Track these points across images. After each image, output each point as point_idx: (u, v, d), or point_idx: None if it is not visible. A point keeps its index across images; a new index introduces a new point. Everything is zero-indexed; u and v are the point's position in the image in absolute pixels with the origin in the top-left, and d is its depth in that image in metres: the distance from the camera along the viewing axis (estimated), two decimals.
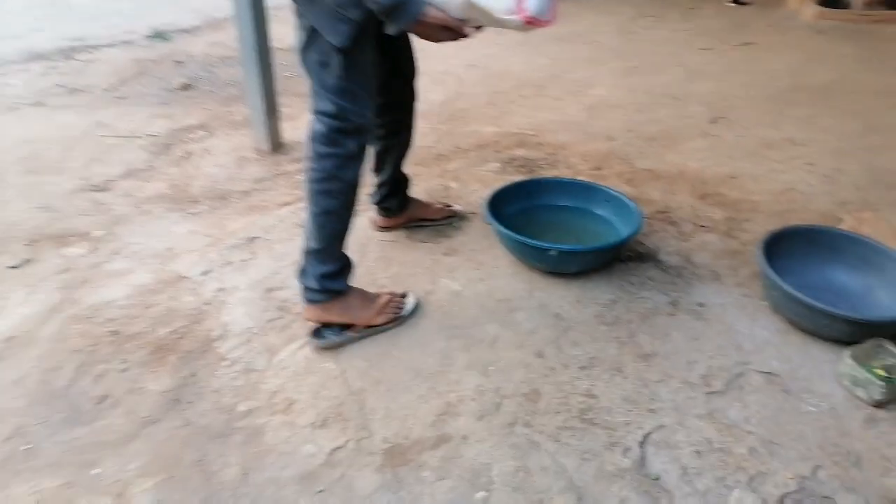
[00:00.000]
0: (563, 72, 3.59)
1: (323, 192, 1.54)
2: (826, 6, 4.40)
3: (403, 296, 1.76)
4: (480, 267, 1.95)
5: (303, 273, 1.63)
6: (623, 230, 1.94)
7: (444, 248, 2.05)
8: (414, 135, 2.01)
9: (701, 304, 1.77)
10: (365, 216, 2.15)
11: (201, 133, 2.93)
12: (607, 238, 1.95)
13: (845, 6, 4.43)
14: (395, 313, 1.71)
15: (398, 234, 2.12)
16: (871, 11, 4.26)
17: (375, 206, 2.11)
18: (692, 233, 2.10)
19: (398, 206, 2.10)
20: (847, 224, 1.96)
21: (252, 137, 2.76)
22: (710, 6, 4.75)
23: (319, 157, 1.51)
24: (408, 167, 2.07)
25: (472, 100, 3.22)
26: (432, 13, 1.33)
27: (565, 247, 1.80)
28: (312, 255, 1.61)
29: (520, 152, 2.69)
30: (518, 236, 1.81)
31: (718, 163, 2.54)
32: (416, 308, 1.76)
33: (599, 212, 2.06)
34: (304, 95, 3.45)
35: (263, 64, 2.57)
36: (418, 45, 1.67)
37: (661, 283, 1.85)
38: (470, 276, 1.90)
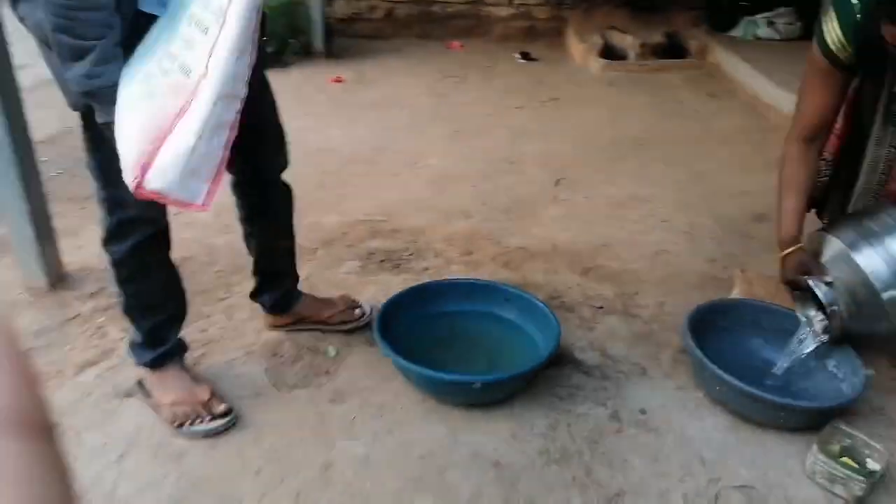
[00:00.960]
0: (389, 142, 3.35)
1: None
2: (607, 58, 4.74)
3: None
4: (383, 412, 1.58)
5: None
6: (538, 336, 1.70)
7: (328, 394, 1.64)
8: (284, 219, 1.74)
9: (643, 412, 1.58)
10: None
11: None
12: (523, 348, 1.70)
13: (622, 58, 4.82)
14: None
15: (263, 382, 1.66)
16: (645, 62, 4.68)
17: (252, 301, 1.81)
18: (593, 318, 1.93)
19: (273, 305, 1.80)
20: (739, 289, 1.94)
21: (19, 271, 2.08)
22: (503, 64, 4.88)
23: (113, 262, 1.45)
24: (289, 259, 1.79)
25: (299, 184, 2.80)
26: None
27: (491, 377, 1.50)
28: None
29: (375, 244, 2.36)
30: (431, 372, 1.48)
31: (583, 231, 2.45)
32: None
33: (504, 314, 1.80)
34: (80, 198, 2.82)
35: (24, 166, 1.93)
36: None
37: (592, 390, 1.64)
38: (374, 429, 1.52)
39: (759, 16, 4.85)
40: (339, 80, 4.20)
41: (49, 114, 3.52)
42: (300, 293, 1.86)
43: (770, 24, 4.85)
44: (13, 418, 0.19)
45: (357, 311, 1.84)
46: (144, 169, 1.08)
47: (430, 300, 1.82)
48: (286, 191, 1.72)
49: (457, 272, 2.18)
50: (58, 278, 2.09)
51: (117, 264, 1.45)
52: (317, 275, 2.17)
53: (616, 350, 1.79)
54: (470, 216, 2.57)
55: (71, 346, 1.82)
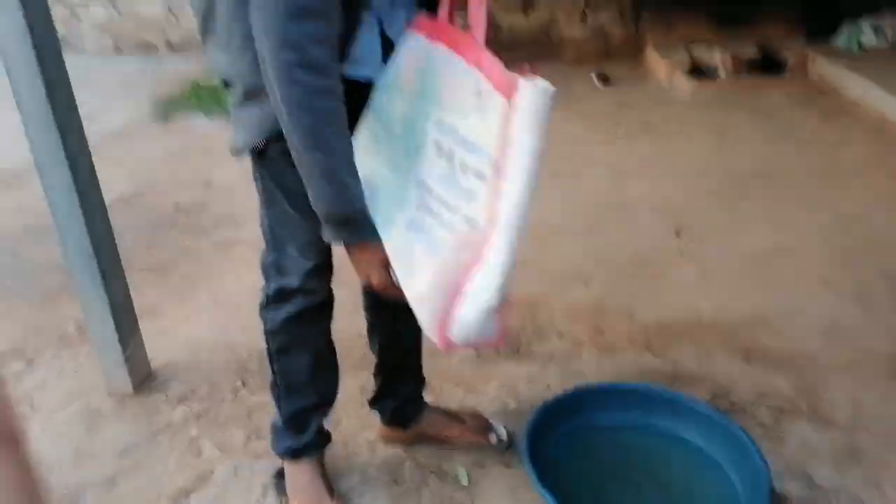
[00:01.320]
0: None
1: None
2: (695, 76, 4.36)
3: None
4: None
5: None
6: (729, 467, 1.36)
7: None
8: (415, 320, 1.36)
9: None
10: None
11: (15, 365, 1.95)
12: (714, 487, 1.35)
13: (711, 75, 4.43)
14: None
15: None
16: (739, 79, 4.28)
17: (371, 408, 1.59)
18: (777, 425, 1.58)
19: (393, 414, 1.56)
20: None
21: (100, 369, 1.84)
22: (581, 88, 4.54)
23: (266, 331, 1.34)
24: (416, 356, 1.55)
25: None
26: (382, 251, 1.07)
27: None
28: None
29: None
30: None
31: (728, 297, 2.09)
32: None
33: (684, 434, 1.45)
34: (158, 268, 2.60)
35: (102, 251, 1.68)
36: None
37: None
38: None
39: (862, 20, 4.39)
40: None
41: (117, 172, 3.36)
42: (425, 404, 1.58)
43: (876, 29, 4.39)
44: None
45: (492, 436, 1.54)
46: (444, 327, 1.03)
47: (581, 410, 1.49)
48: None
49: (589, 359, 1.85)
50: (143, 377, 1.85)
51: (271, 333, 1.33)
52: (426, 364, 1.86)
53: (822, 475, 1.43)
54: (588, 281, 2.24)
55: (164, 467, 1.56)
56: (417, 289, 1.05)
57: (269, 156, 1.15)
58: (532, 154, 0.93)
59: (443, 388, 1.77)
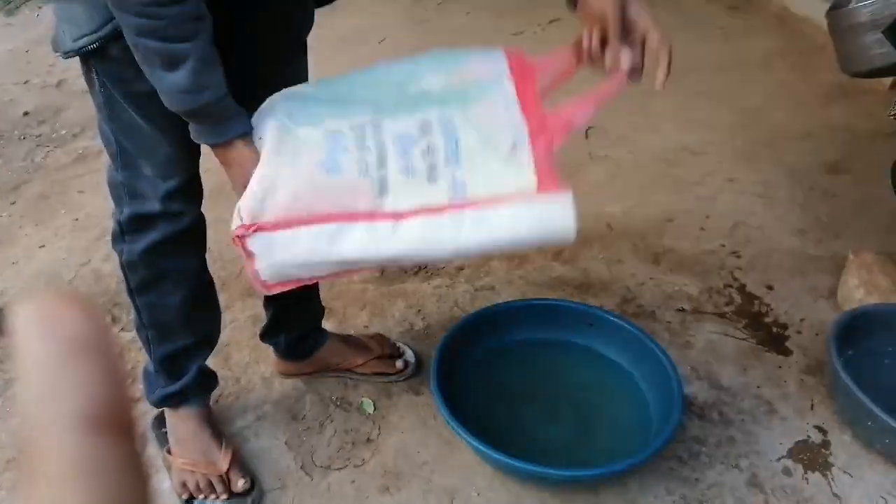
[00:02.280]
0: None
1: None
2: None
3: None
4: (455, 502, 1.20)
5: None
6: (636, 373, 1.32)
7: (377, 476, 1.25)
8: None
9: (786, 471, 1.23)
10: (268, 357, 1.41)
11: None
12: (623, 394, 1.31)
13: None
14: None
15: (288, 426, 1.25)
16: None
17: (263, 342, 1.42)
18: (684, 327, 1.56)
19: (291, 347, 1.40)
20: (856, 278, 1.57)
21: None
22: None
23: (123, 265, 1.14)
24: (314, 291, 1.39)
25: None
26: (248, 153, 0.90)
27: (600, 470, 1.13)
28: None
29: None
30: (525, 465, 1.09)
31: (638, 200, 2.03)
32: None
33: (589, 343, 1.40)
34: (9, 188, 2.25)
35: None
36: None
37: (715, 444, 1.28)
38: None
39: None
40: None
41: None
42: (325, 333, 1.43)
43: None
44: (97, 417, 0.18)
45: (398, 362, 1.42)
46: (256, 227, 0.88)
47: (493, 329, 1.41)
48: None
49: (498, 270, 1.76)
50: None
51: (128, 268, 1.12)
52: (324, 287, 1.72)
53: (727, 376, 1.43)
54: None
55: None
56: (270, 171, 0.89)
57: (108, 55, 0.93)
58: (496, 238, 0.88)
59: (346, 311, 1.64)
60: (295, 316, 1.37)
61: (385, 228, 0.88)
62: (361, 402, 1.40)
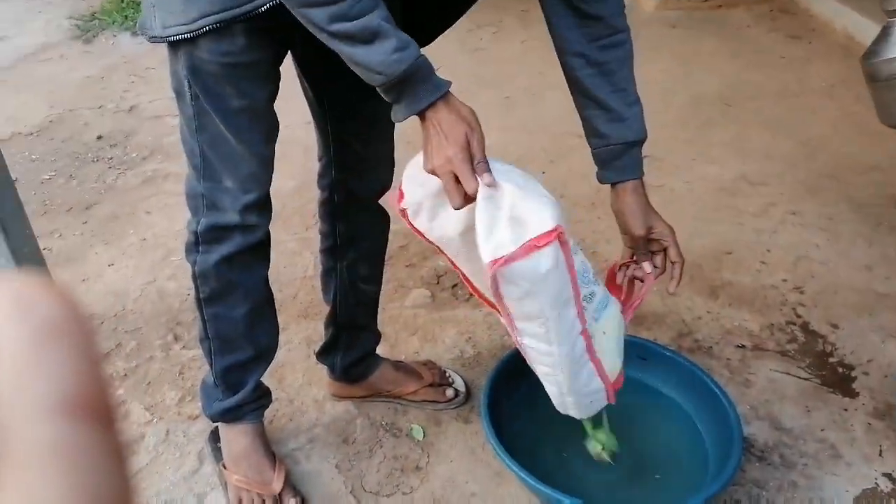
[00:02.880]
0: None
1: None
2: None
3: None
4: None
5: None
6: (694, 412, 1.29)
7: (424, 498, 1.25)
8: (376, 253, 1.37)
9: None
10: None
11: None
12: (679, 433, 1.28)
13: None
14: None
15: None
16: None
17: (318, 361, 1.46)
18: (744, 365, 1.52)
19: (345, 370, 1.42)
20: None
21: None
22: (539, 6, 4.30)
23: (194, 275, 1.15)
24: (372, 309, 1.42)
25: None
26: (467, 112, 0.92)
27: None
28: None
29: (444, 262, 1.92)
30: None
31: (694, 231, 1.99)
32: None
33: (645, 379, 1.37)
34: (81, 208, 2.37)
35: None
36: None
37: (776, 489, 1.24)
38: None
39: None
40: None
41: (34, 97, 3.05)
42: (379, 359, 1.46)
43: None
44: (73, 401, 0.18)
45: (449, 391, 1.44)
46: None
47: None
48: (384, 218, 1.34)
49: None
50: None
51: (200, 278, 1.14)
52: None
53: (789, 418, 1.38)
54: None
55: None
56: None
57: (199, 58, 0.95)
58: None
59: (398, 336, 1.66)
60: (353, 338, 1.40)
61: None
62: (412, 428, 1.40)
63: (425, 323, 1.69)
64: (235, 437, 1.27)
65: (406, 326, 1.68)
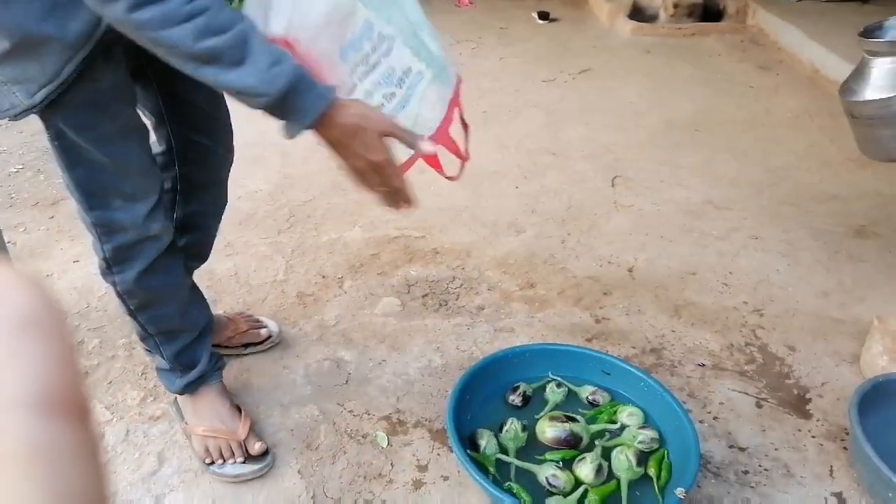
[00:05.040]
0: None
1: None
2: (636, 19, 4.25)
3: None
4: None
5: None
6: (660, 424, 1.32)
7: None
8: (207, 247, 1.46)
9: None
10: None
11: None
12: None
13: (653, 19, 4.33)
14: None
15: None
16: (681, 25, 4.20)
17: None
18: (703, 384, 1.55)
19: None
20: (880, 345, 1.56)
21: None
22: (520, 25, 4.36)
23: (119, 294, 1.18)
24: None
25: (311, 186, 2.36)
26: (361, 111, 0.89)
27: None
28: None
29: (415, 271, 1.94)
30: None
31: (661, 252, 2.04)
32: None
33: (609, 387, 1.40)
34: (48, 203, 2.32)
35: None
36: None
37: None
38: None
39: None
40: None
41: None
42: None
43: None
44: (48, 398, 0.17)
45: (263, 330, 1.59)
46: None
47: (508, 371, 1.42)
48: (223, 201, 1.42)
49: (519, 312, 1.78)
50: None
51: (126, 295, 1.19)
52: (347, 318, 1.74)
53: (745, 436, 1.41)
54: (521, 230, 2.15)
55: None
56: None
57: (69, 102, 0.94)
58: None
59: (366, 343, 1.66)
60: None
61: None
62: (376, 435, 1.41)
63: (394, 331, 1.70)
64: (198, 400, 1.33)
65: (374, 334, 1.68)
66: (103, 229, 1.09)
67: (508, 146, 2.72)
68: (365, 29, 0.95)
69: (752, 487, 1.30)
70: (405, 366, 1.59)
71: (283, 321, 1.70)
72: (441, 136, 1.11)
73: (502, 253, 2.02)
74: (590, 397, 1.40)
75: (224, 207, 1.42)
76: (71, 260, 1.91)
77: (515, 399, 1.38)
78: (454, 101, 1.18)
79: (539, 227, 2.16)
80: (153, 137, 1.21)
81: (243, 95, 0.83)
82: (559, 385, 1.40)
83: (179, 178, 1.30)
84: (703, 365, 1.61)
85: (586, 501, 1.18)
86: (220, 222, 1.44)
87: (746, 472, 1.33)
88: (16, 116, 0.95)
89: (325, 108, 0.85)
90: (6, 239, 1.67)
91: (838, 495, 1.30)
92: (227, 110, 1.29)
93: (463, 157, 1.17)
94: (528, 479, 1.23)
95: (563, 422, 1.30)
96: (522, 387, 1.40)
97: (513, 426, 1.30)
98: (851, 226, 2.18)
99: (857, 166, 2.50)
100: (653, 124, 2.91)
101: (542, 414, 1.35)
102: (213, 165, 1.32)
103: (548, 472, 1.22)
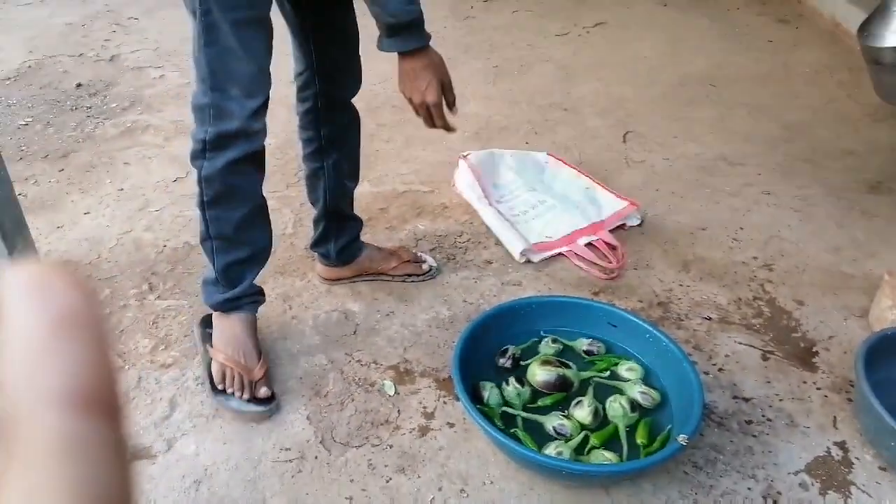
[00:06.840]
0: None
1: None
2: None
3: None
4: (468, 488, 1.22)
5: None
6: (659, 373, 1.33)
7: (394, 457, 1.27)
8: (355, 151, 1.56)
9: (803, 486, 1.23)
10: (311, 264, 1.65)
11: None
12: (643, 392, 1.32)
13: None
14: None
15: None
16: None
17: (313, 251, 1.66)
18: (709, 336, 1.56)
19: (338, 254, 1.62)
20: (891, 299, 1.55)
21: None
22: None
23: (200, 179, 1.25)
24: (351, 202, 1.62)
25: None
26: (439, 60, 1.26)
27: (619, 467, 1.13)
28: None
29: (423, 225, 1.94)
30: (546, 459, 1.11)
31: (672, 208, 2.02)
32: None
33: (613, 341, 1.40)
34: (58, 156, 2.34)
35: None
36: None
37: (733, 453, 1.28)
38: None
39: None
40: None
41: (10, 40, 2.97)
42: (363, 242, 1.67)
43: None
44: (83, 395, 0.17)
45: (424, 265, 1.70)
46: None
47: (516, 322, 1.42)
48: (357, 117, 1.52)
49: (526, 266, 1.78)
50: None
51: (205, 182, 1.25)
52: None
53: (750, 387, 1.42)
54: None
55: None
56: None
57: None
58: None
59: (374, 296, 1.67)
60: (342, 227, 1.60)
61: None
62: (383, 383, 1.43)
63: (403, 284, 1.71)
64: (231, 325, 1.37)
65: (382, 287, 1.69)
66: (216, 111, 1.18)
67: (520, 101, 2.68)
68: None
69: (755, 437, 1.31)
70: (412, 317, 1.60)
71: (292, 273, 1.71)
72: (549, 246, 1.73)
73: None
74: (586, 348, 1.40)
75: (360, 124, 1.52)
76: (82, 212, 1.92)
77: (505, 362, 1.38)
78: (583, 232, 1.77)
79: None
80: (292, 62, 1.40)
81: (382, 12, 1.15)
82: (554, 341, 1.41)
83: (320, 94, 1.40)
84: (710, 318, 1.61)
85: (588, 445, 1.19)
86: (360, 138, 1.54)
87: (750, 422, 1.34)
88: None
89: (425, 43, 1.21)
90: (17, 191, 1.68)
91: (841, 444, 1.31)
92: (358, 34, 1.42)
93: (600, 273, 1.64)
94: (534, 430, 1.25)
95: (555, 366, 1.31)
96: (511, 349, 1.39)
97: (513, 385, 1.30)
98: (866, 181, 2.14)
99: (874, 121, 2.45)
100: (667, 79, 2.86)
101: (534, 359, 1.36)
102: (349, 84, 1.44)
103: (555, 422, 1.24)
